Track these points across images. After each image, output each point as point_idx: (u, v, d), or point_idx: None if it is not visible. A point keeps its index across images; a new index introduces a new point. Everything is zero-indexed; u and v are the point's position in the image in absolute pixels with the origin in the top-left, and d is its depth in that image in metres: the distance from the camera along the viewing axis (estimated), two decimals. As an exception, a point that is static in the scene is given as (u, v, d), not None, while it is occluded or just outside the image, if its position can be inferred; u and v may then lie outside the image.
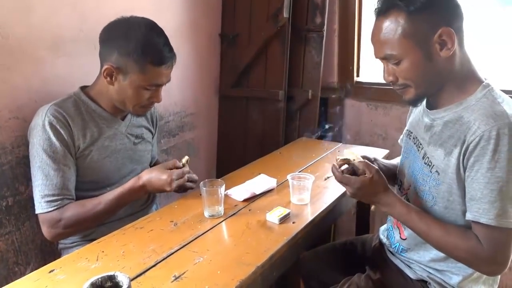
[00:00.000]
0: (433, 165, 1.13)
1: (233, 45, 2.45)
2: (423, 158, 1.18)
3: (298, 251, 1.33)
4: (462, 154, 1.04)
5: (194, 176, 1.40)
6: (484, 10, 2.10)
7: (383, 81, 1.16)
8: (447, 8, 1.04)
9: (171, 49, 1.35)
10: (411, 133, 1.28)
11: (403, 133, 1.39)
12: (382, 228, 1.44)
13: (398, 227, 1.29)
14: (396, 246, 1.30)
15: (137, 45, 1.28)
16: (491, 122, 0.99)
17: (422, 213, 1.12)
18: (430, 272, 1.21)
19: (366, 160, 1.17)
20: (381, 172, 1.14)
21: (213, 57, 2.49)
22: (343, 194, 1.51)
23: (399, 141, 1.46)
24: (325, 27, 2.28)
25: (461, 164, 1.05)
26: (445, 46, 1.03)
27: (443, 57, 1.04)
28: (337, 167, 1.16)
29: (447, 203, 1.11)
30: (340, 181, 1.16)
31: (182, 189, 1.37)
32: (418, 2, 1.01)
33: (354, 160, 1.16)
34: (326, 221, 1.52)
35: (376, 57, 1.13)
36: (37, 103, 1.46)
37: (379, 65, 1.16)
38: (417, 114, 1.28)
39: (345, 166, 1.17)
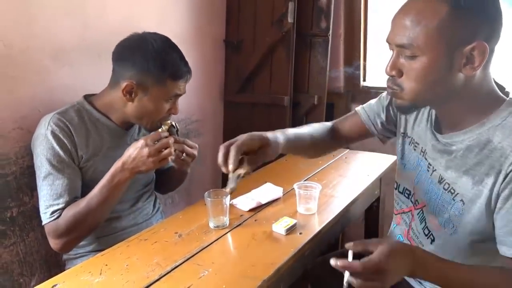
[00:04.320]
0: (457, 194, 1.01)
1: (237, 51, 2.44)
2: (439, 182, 1.06)
3: (306, 263, 1.31)
4: (499, 184, 0.92)
5: (191, 144, 1.41)
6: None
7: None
8: (493, 21, 0.89)
9: (186, 63, 1.37)
10: (418, 144, 1.17)
11: (399, 135, 1.24)
12: None
13: (408, 240, 1.25)
14: None
15: (156, 61, 1.30)
16: None
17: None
18: None
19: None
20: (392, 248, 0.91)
21: (218, 63, 2.47)
22: (352, 203, 1.48)
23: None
24: (330, 31, 2.25)
25: (493, 195, 0.94)
26: (470, 63, 0.89)
27: (462, 74, 0.91)
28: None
29: (469, 233, 1.01)
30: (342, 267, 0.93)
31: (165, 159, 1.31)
32: (471, 0, 0.86)
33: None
34: (334, 231, 1.49)
35: (391, 42, 0.94)
36: (41, 113, 1.44)
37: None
38: (423, 128, 1.15)
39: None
